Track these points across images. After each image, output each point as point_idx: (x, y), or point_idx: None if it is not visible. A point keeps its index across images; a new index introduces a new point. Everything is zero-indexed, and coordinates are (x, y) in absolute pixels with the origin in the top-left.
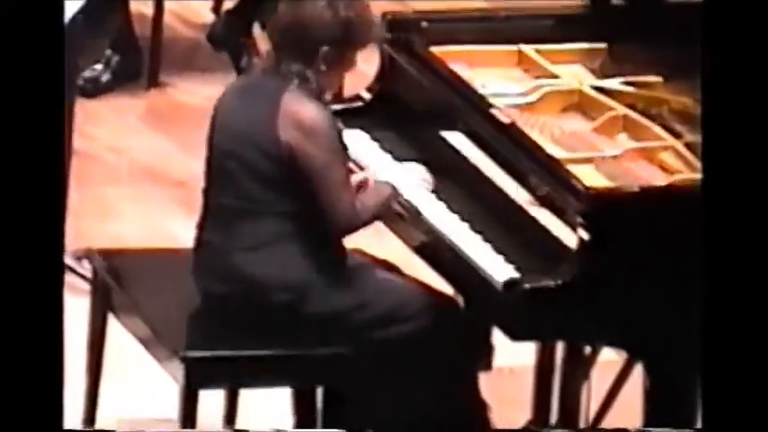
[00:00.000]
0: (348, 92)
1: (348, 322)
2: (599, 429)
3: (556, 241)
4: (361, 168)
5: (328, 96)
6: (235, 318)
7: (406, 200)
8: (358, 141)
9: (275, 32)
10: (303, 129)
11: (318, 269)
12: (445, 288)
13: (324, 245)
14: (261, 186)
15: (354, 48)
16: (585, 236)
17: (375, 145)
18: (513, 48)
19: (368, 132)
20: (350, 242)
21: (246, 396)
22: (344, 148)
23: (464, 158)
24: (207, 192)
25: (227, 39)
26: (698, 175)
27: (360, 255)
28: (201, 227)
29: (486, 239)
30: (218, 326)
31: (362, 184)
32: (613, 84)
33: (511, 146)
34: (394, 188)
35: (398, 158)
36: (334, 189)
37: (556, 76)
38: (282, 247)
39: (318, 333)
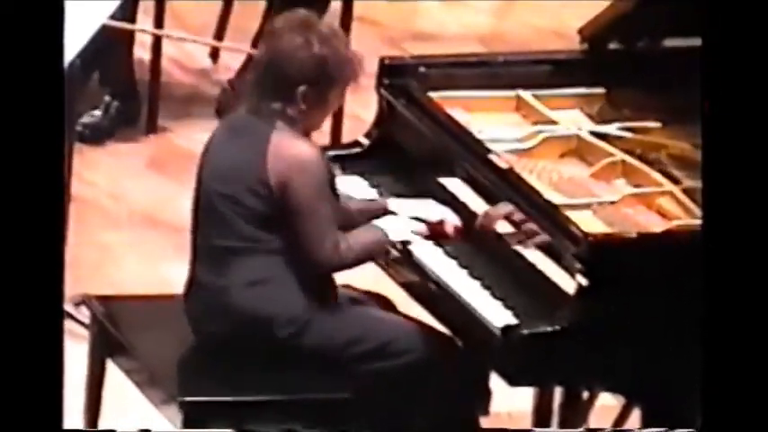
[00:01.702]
0: (346, 138)
1: (343, 356)
2: (599, 429)
3: (554, 287)
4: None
5: (314, 136)
6: (231, 358)
7: (403, 245)
8: (357, 188)
9: (255, 71)
10: (293, 166)
11: (313, 304)
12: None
13: (316, 280)
14: (254, 226)
15: (334, 86)
16: (584, 281)
17: (374, 191)
18: (512, 93)
19: (366, 179)
20: (341, 278)
21: None
22: (334, 187)
23: (462, 204)
24: (195, 233)
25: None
26: (696, 221)
27: (350, 290)
28: (193, 268)
29: (485, 285)
30: (215, 369)
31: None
32: (611, 129)
33: (509, 191)
34: (384, 233)
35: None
36: (316, 226)
37: (554, 122)
38: (277, 283)
39: (315, 369)
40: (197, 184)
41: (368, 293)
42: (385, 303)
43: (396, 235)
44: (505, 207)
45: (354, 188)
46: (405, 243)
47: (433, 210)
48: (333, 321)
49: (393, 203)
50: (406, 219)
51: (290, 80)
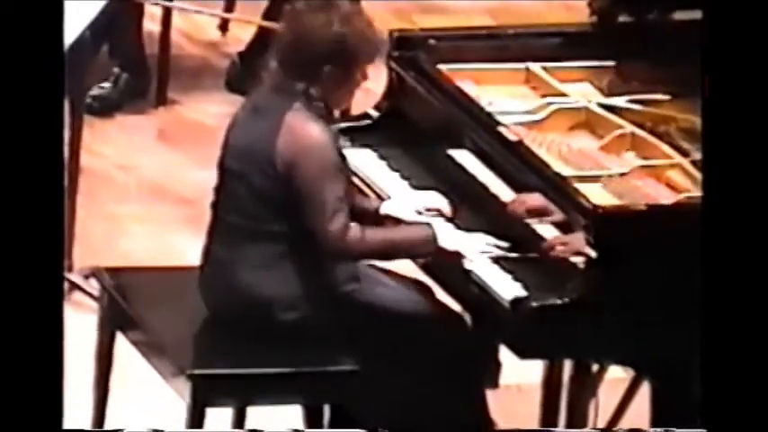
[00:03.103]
0: (356, 110)
1: (354, 339)
2: (607, 429)
3: (563, 259)
4: (369, 188)
5: (337, 113)
6: (241, 333)
7: (436, 250)
8: (366, 160)
9: (279, 50)
10: (300, 148)
11: (316, 291)
12: (453, 305)
13: (324, 265)
14: (262, 206)
15: (358, 64)
16: (593, 254)
17: (383, 164)
18: (521, 65)
19: (375, 151)
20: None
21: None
22: (345, 172)
23: (471, 176)
24: (215, 206)
25: (247, 81)
26: None
27: (385, 274)
28: (209, 241)
29: (494, 258)
30: (225, 342)
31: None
32: (621, 102)
33: (518, 164)
34: (433, 234)
35: (406, 177)
36: (320, 211)
37: (563, 94)
38: (279, 267)
39: (324, 350)
40: (219, 159)
41: (407, 279)
42: (425, 292)
43: (449, 243)
44: (538, 199)
45: (364, 161)
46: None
47: (433, 199)
48: (338, 311)
49: (387, 206)
50: (466, 235)
51: (313, 60)
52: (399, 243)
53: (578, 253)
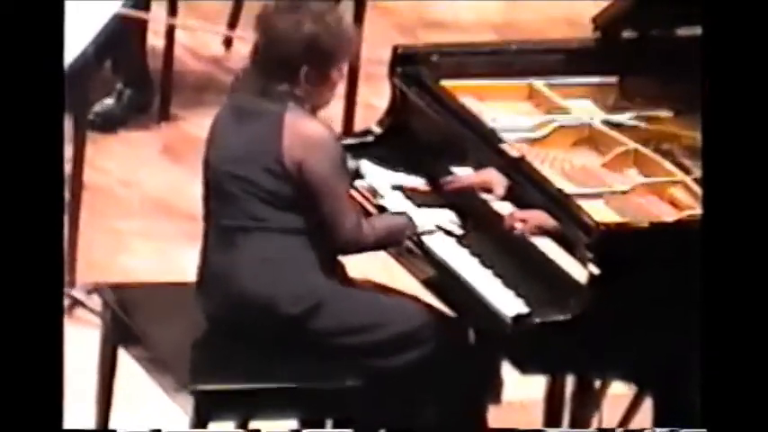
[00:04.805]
0: (359, 126)
1: (357, 343)
2: (609, 429)
3: (565, 276)
4: (374, 196)
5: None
6: (243, 344)
7: (416, 234)
8: (372, 174)
9: (254, 55)
10: (309, 146)
11: (324, 285)
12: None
13: (328, 261)
14: (267, 205)
15: (332, 63)
16: (595, 270)
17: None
18: (524, 82)
19: (379, 167)
20: (359, 273)
21: None
22: (347, 167)
23: (474, 193)
24: (207, 217)
25: None
26: None
27: (371, 284)
28: (205, 253)
29: (496, 274)
30: (227, 357)
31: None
32: (624, 118)
33: (521, 180)
34: (410, 219)
35: (408, 197)
36: (338, 205)
37: (566, 111)
38: (286, 262)
39: (325, 357)
40: (204, 170)
41: (406, 295)
42: (426, 307)
43: (423, 224)
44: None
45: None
46: (426, 233)
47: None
48: (345, 305)
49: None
50: (433, 211)
51: (289, 62)
52: (394, 230)
53: (540, 228)
